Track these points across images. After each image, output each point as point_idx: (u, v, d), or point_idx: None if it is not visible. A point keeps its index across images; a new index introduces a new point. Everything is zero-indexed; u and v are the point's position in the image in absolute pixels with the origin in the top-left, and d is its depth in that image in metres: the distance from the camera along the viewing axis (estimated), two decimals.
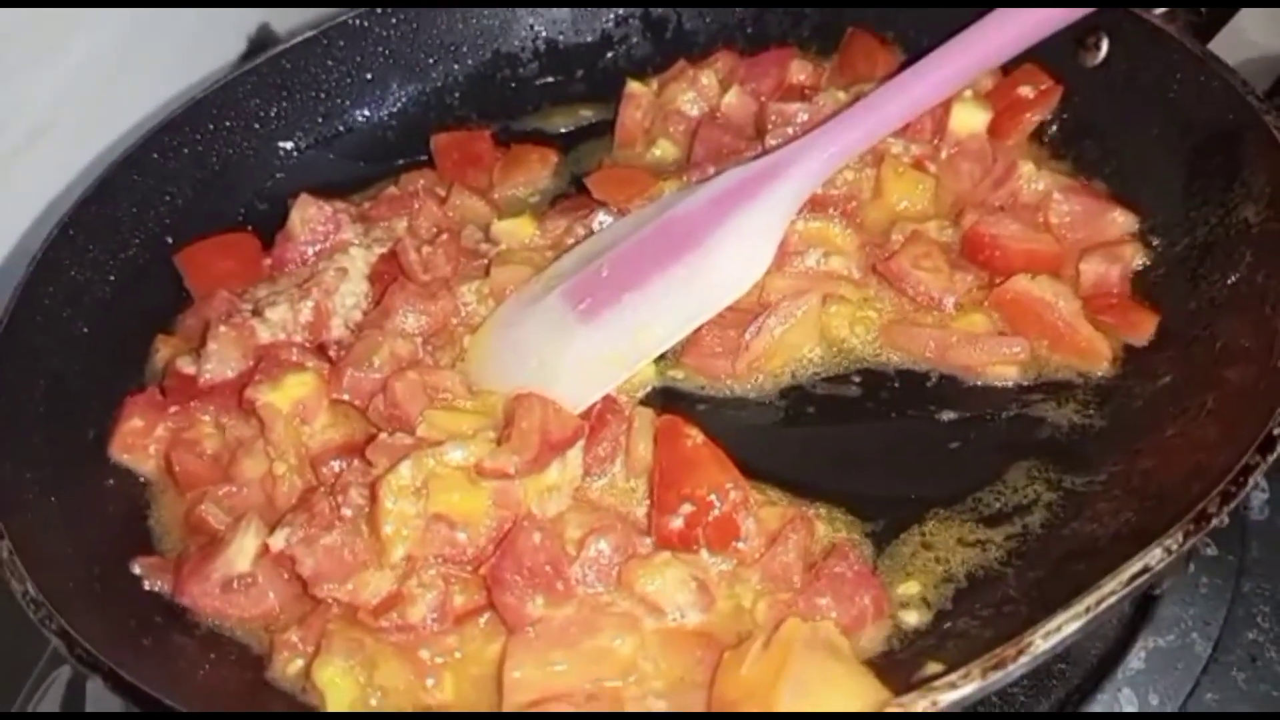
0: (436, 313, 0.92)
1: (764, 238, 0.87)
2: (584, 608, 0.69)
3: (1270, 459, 0.58)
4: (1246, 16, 1.38)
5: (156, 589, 0.76)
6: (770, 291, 0.89)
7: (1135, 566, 0.53)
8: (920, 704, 0.49)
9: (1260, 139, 0.79)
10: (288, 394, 0.84)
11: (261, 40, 1.38)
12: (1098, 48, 0.96)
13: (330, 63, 1.17)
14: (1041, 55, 0.97)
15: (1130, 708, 0.76)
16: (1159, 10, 0.95)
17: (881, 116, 0.90)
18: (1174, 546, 0.53)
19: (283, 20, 1.32)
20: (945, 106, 0.97)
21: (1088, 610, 0.51)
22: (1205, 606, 0.81)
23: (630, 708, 0.64)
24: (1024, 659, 0.50)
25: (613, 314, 0.85)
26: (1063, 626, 0.51)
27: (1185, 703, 0.76)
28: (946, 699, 0.49)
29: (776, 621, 0.66)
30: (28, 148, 1.09)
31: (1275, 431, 0.59)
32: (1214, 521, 0.55)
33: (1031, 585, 0.65)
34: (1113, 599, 0.52)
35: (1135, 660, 0.78)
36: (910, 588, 0.70)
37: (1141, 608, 0.81)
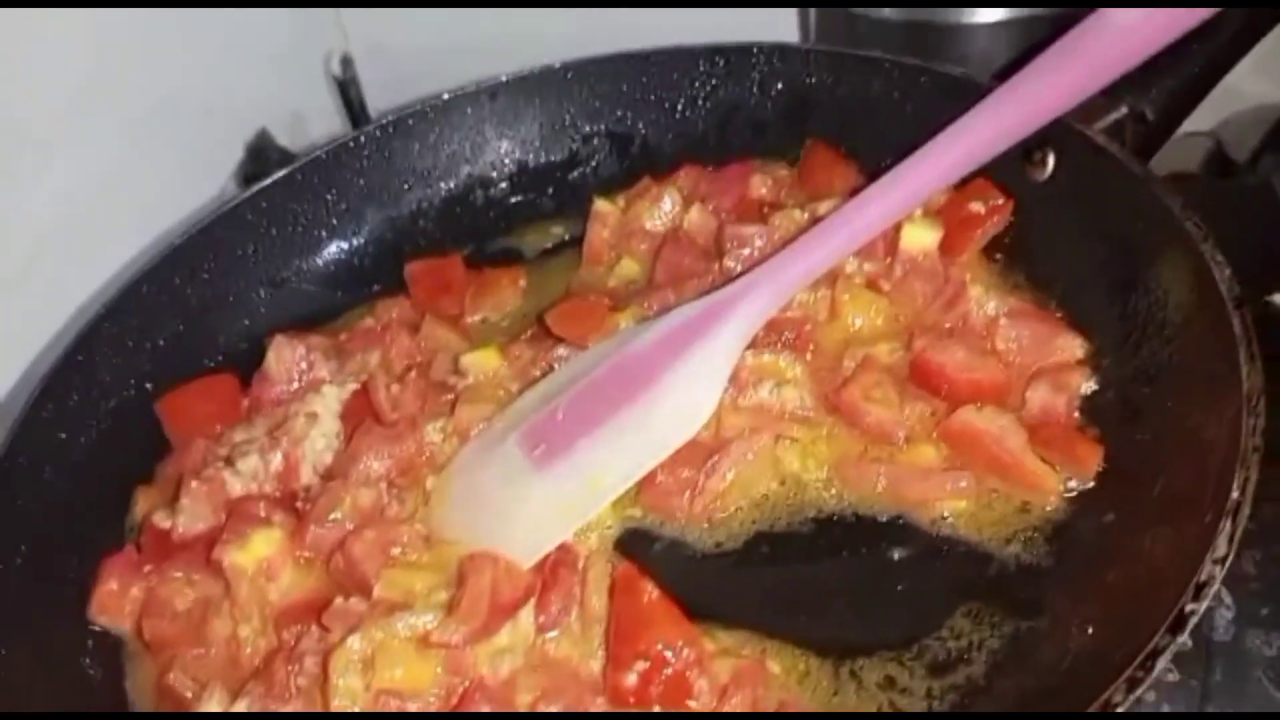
0: (401, 454, 0.95)
1: (711, 378, 0.88)
2: None
3: (1180, 638, 0.58)
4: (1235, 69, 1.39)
5: None
6: (725, 428, 0.91)
7: None
8: None
9: (1188, 262, 0.79)
10: (253, 553, 0.87)
11: (259, 146, 1.43)
12: (1044, 163, 0.96)
13: (307, 196, 1.20)
14: (991, 169, 0.98)
15: None
16: (1106, 122, 0.96)
17: (826, 249, 0.91)
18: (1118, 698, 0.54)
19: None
20: (896, 226, 0.98)
21: None
22: None
23: None
24: None
25: (567, 461, 0.87)
26: None
27: None
28: None
29: None
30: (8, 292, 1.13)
31: (1186, 609, 0.59)
32: (1120, 709, 0.55)
33: None
34: None
35: None
36: None
37: None
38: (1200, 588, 0.60)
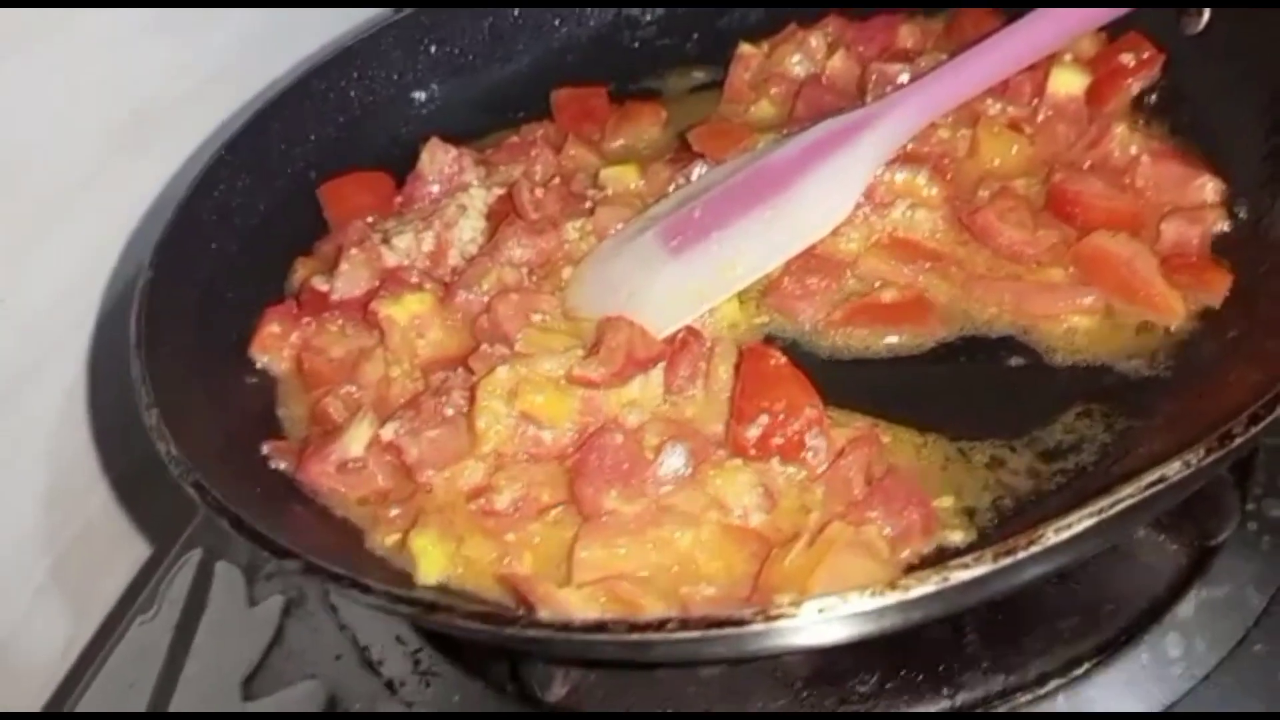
0: (542, 246, 1.00)
1: (848, 184, 0.92)
2: (653, 504, 0.76)
3: None
4: None
5: (281, 468, 0.86)
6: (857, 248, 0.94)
7: (1152, 476, 0.56)
8: (932, 579, 0.54)
9: None
10: (406, 309, 0.93)
11: None
12: (1199, 15, 0.97)
13: (464, 22, 1.26)
14: (1143, 22, 0.98)
15: (1175, 652, 0.78)
16: None
17: (971, 75, 0.93)
18: (1193, 461, 0.56)
19: None
20: (1045, 70, 1.00)
21: (1100, 511, 0.55)
22: (1264, 564, 0.81)
23: (683, 592, 0.70)
24: (1034, 548, 0.54)
25: (700, 250, 0.91)
26: (1074, 524, 0.54)
27: (1232, 651, 0.78)
28: (957, 577, 0.54)
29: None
30: (199, 93, 1.21)
31: None
32: (1237, 440, 0.57)
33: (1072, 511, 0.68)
34: (1127, 503, 0.55)
35: (1185, 607, 0.80)
36: (959, 505, 0.75)
37: (1198, 559, 0.82)
38: None
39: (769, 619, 0.54)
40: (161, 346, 0.88)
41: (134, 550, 1.20)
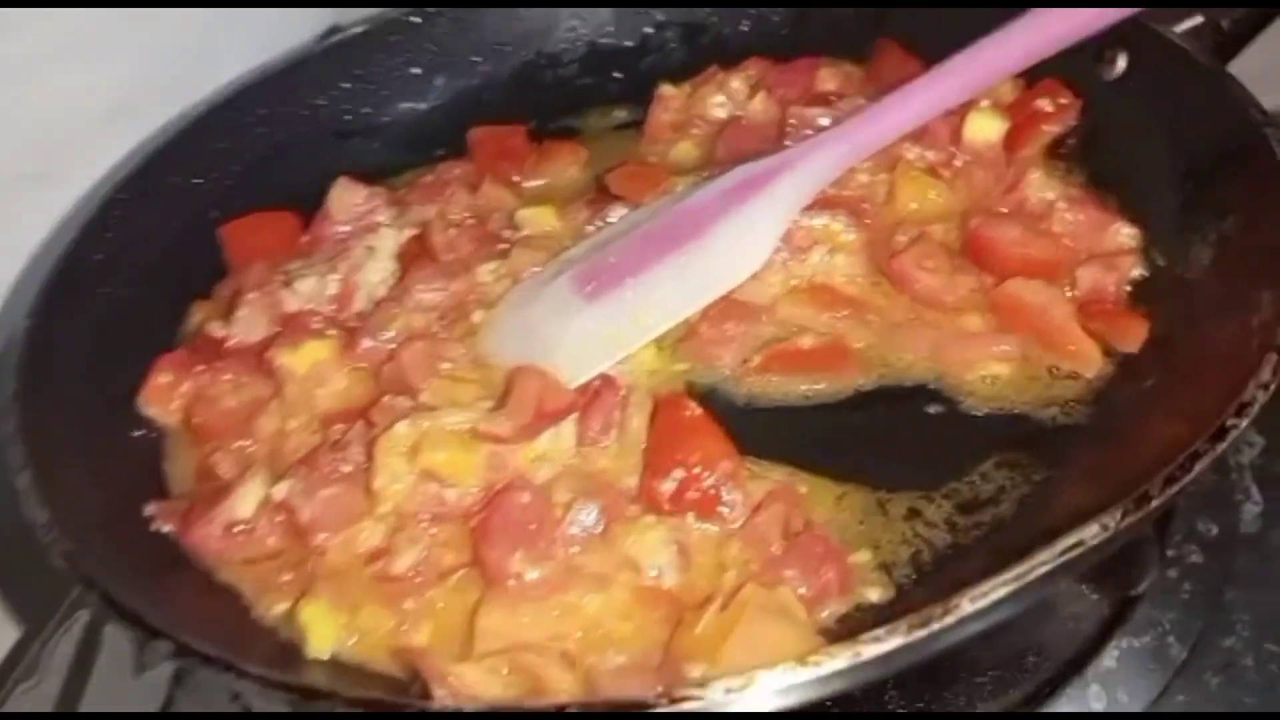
0: (454, 289, 0.96)
1: (765, 230, 0.90)
2: (560, 567, 0.72)
3: (1219, 448, 0.59)
4: None
5: (164, 531, 0.80)
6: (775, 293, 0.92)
7: (1069, 540, 0.54)
8: (843, 655, 0.51)
9: (1259, 157, 0.79)
10: (306, 356, 0.89)
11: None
12: (1114, 62, 0.97)
13: (380, 56, 1.23)
14: (1061, 68, 0.98)
15: (1098, 705, 0.76)
16: (1182, 27, 0.96)
17: (890, 120, 0.92)
18: (1110, 524, 0.55)
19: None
20: (962, 115, 0.99)
21: (1017, 578, 0.52)
22: (1185, 612, 0.81)
23: (589, 662, 0.67)
24: (949, 619, 0.52)
25: (615, 297, 0.89)
26: (990, 592, 0.52)
27: (1155, 702, 0.76)
28: (870, 651, 0.51)
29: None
30: (102, 129, 1.16)
31: (1228, 423, 0.60)
32: (1154, 503, 0.56)
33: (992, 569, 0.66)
34: (1043, 569, 0.53)
35: (1108, 659, 0.78)
36: (876, 560, 0.72)
37: (1119, 609, 0.81)
38: (1243, 406, 0.60)
39: (674, 701, 0.50)
40: (40, 400, 0.82)
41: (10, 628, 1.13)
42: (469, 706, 0.51)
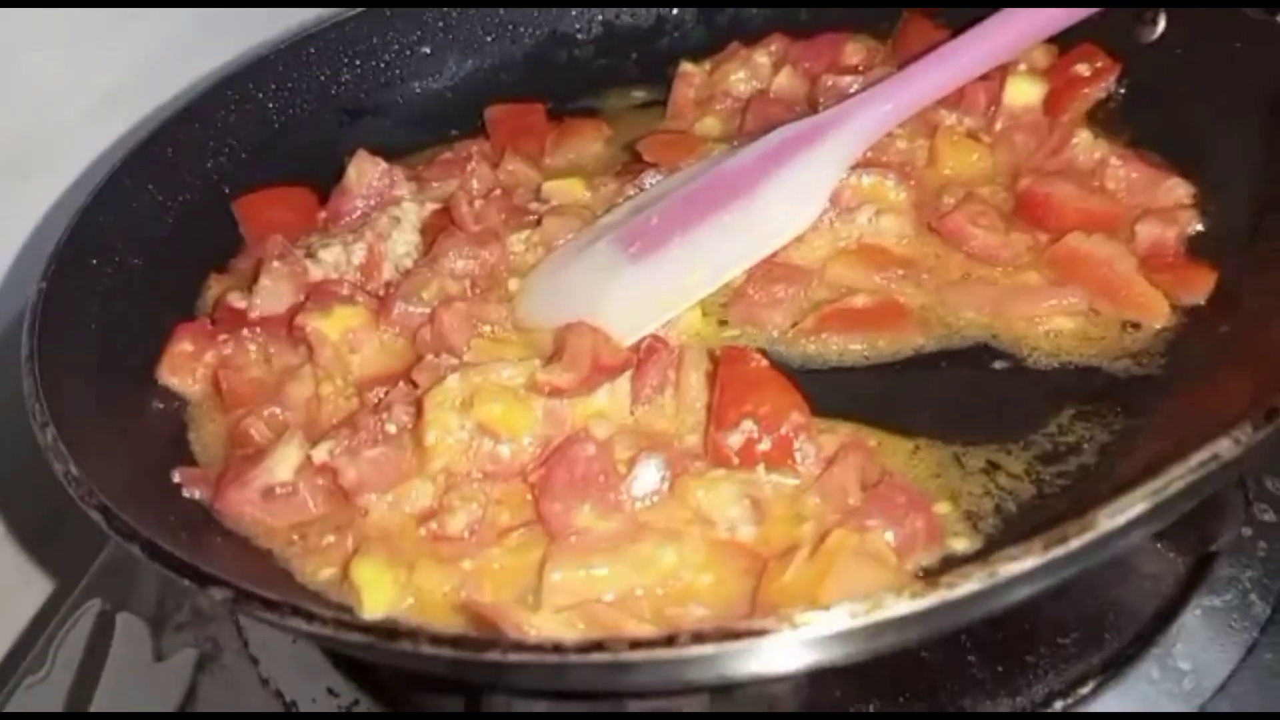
0: (485, 258, 0.93)
1: (814, 189, 0.87)
2: (628, 521, 0.68)
3: None
4: None
5: (195, 498, 0.75)
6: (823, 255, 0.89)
7: (1204, 454, 0.51)
8: (977, 575, 0.47)
9: None
10: (338, 322, 0.85)
11: None
12: (1155, 22, 0.96)
13: (391, 34, 1.20)
14: (1099, 31, 0.97)
15: (1185, 665, 0.73)
16: None
17: (936, 77, 0.90)
18: (1243, 438, 0.52)
19: None
20: (1000, 80, 0.98)
21: (1154, 493, 0.49)
22: (1264, 569, 0.78)
23: (670, 614, 0.63)
24: (1088, 535, 0.48)
25: (660, 256, 0.85)
26: (1129, 506, 0.49)
27: (1244, 659, 0.73)
28: (1006, 570, 0.48)
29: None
30: (106, 105, 1.11)
31: None
32: (1223, 461, 0.53)
33: (1085, 511, 0.63)
34: (1180, 483, 0.50)
35: (1190, 617, 0.75)
36: (959, 511, 0.69)
37: (1196, 568, 0.78)
38: None
39: (795, 626, 0.46)
40: (57, 363, 0.77)
41: (26, 605, 1.06)
42: (568, 640, 0.47)
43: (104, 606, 0.91)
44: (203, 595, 0.56)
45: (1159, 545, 0.79)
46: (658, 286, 0.84)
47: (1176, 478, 0.50)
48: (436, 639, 0.49)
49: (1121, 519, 0.48)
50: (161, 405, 0.86)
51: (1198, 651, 0.74)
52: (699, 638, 0.47)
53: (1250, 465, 0.83)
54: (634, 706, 0.63)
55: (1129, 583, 0.78)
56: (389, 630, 0.50)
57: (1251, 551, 0.79)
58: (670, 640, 0.47)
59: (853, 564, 0.60)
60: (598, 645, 0.47)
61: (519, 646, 0.48)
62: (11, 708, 0.86)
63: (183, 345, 0.87)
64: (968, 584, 0.47)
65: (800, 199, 0.87)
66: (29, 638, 0.98)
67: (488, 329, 0.84)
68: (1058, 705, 0.72)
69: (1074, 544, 0.48)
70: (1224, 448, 0.51)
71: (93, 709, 0.83)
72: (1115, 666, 0.73)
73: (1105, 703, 0.72)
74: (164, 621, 0.88)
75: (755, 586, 0.63)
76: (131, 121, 1.15)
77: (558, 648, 0.48)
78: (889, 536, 0.65)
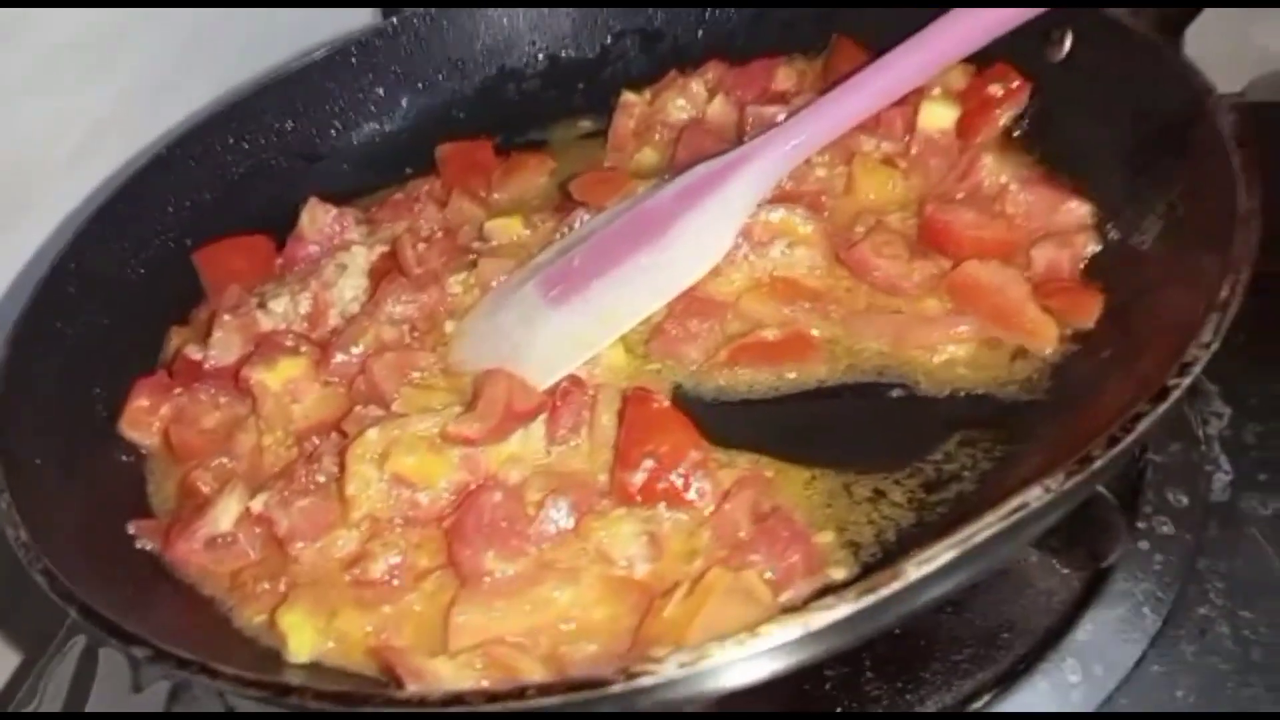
0: (424, 301, 0.98)
1: (722, 227, 0.91)
2: (533, 563, 0.73)
3: (1161, 408, 0.60)
4: (1263, 26, 1.40)
5: (147, 548, 0.82)
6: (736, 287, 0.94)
7: (1013, 503, 0.55)
8: (794, 625, 0.52)
9: (1203, 124, 0.81)
10: (280, 374, 0.91)
11: None
12: (1061, 42, 0.99)
13: (345, 78, 1.25)
14: (1011, 51, 1.00)
15: (1074, 677, 0.77)
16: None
17: (842, 111, 0.94)
18: (1053, 486, 0.56)
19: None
20: (914, 105, 1.01)
21: (962, 542, 0.54)
22: (1158, 582, 0.82)
23: (561, 652, 0.68)
24: (896, 585, 0.53)
25: (579, 299, 0.90)
26: (936, 557, 0.53)
27: (1131, 673, 0.77)
28: (820, 620, 0.52)
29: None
30: (79, 157, 1.17)
31: (1169, 383, 0.61)
32: (1097, 463, 0.57)
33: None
34: (987, 533, 0.54)
35: (1082, 632, 0.79)
36: (841, 540, 0.74)
37: (1092, 582, 0.82)
38: (1184, 367, 0.62)
39: (630, 677, 0.51)
40: (18, 427, 0.84)
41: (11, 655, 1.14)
42: (434, 693, 0.52)
43: (88, 643, 0.98)
44: (126, 651, 0.61)
45: (1053, 562, 0.83)
46: (577, 328, 0.89)
47: (985, 526, 0.54)
48: (320, 695, 0.55)
49: (929, 568, 0.53)
50: (125, 458, 0.93)
51: (1088, 664, 0.78)
52: (543, 690, 0.52)
53: (1149, 479, 0.88)
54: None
55: (1025, 599, 0.83)
56: (281, 687, 0.56)
57: (1147, 565, 0.83)
58: (520, 692, 0.52)
59: (723, 602, 0.65)
60: (457, 698, 0.53)
61: (390, 700, 0.54)
62: None
63: (140, 400, 0.93)
64: (783, 632, 0.52)
65: (708, 238, 0.91)
66: (20, 674, 1.06)
67: (417, 375, 0.90)
68: None
69: (884, 592, 0.52)
70: (1034, 496, 0.55)
71: None
72: (1007, 680, 0.78)
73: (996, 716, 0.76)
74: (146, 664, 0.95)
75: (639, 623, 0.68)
76: (111, 164, 1.21)
77: (422, 700, 0.53)
78: (769, 573, 0.70)
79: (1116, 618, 0.80)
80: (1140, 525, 0.85)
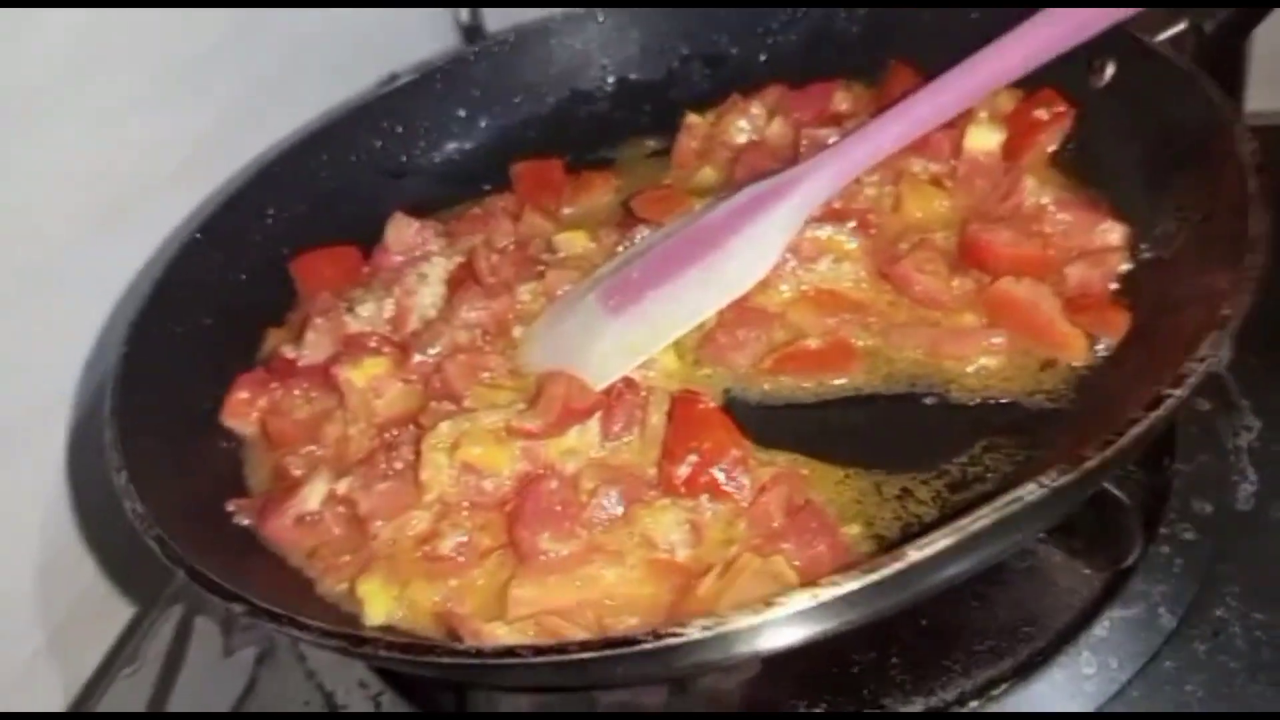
0: (495, 309, 1.07)
1: (770, 244, 0.98)
2: (583, 544, 0.81)
3: (1154, 415, 0.65)
4: None
5: (243, 524, 0.91)
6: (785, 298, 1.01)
7: (1008, 497, 0.61)
8: (803, 597, 0.59)
9: (1226, 149, 0.85)
10: (364, 372, 1.00)
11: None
12: (1103, 70, 1.03)
13: (429, 101, 1.35)
14: (1057, 78, 1.05)
15: (1089, 670, 0.82)
16: (1165, 35, 1.02)
17: (888, 135, 1.00)
18: (1046, 482, 0.61)
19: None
20: (962, 128, 1.07)
21: (958, 530, 0.59)
22: (1176, 585, 0.86)
23: (606, 623, 0.75)
24: (898, 565, 0.59)
25: (636, 309, 0.98)
26: (935, 542, 0.59)
27: (1144, 667, 0.82)
28: (828, 593, 0.59)
29: None
30: (183, 172, 1.29)
31: (1164, 392, 0.66)
32: (1090, 463, 0.62)
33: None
34: (982, 522, 0.60)
35: (1099, 628, 0.84)
36: (868, 533, 0.80)
37: (1113, 582, 0.87)
38: (1180, 378, 0.66)
39: (659, 638, 0.59)
40: (134, 414, 0.94)
41: (123, 616, 1.25)
42: (487, 646, 0.60)
43: (184, 612, 1.09)
44: (228, 608, 0.70)
45: (1076, 562, 0.88)
46: (633, 336, 0.97)
47: (981, 516, 0.60)
48: (389, 645, 0.63)
49: (928, 551, 0.59)
50: (226, 444, 1.03)
51: (1104, 658, 0.83)
52: (585, 646, 0.59)
53: (1175, 487, 0.92)
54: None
55: (1048, 596, 0.87)
56: (355, 638, 0.65)
57: (1168, 568, 0.87)
58: (563, 648, 0.60)
59: (751, 583, 0.72)
60: (509, 651, 0.61)
61: (448, 651, 0.62)
62: (110, 695, 1.04)
63: (240, 393, 1.03)
64: (794, 603, 0.58)
65: (758, 254, 0.98)
66: (125, 639, 1.17)
67: (487, 375, 0.98)
68: (970, 705, 0.82)
69: (886, 571, 0.59)
70: (1028, 491, 0.61)
71: (173, 696, 1.00)
72: (1025, 670, 0.83)
73: (1012, 704, 0.81)
74: (232, 624, 1.05)
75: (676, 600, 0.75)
76: (209, 182, 1.32)
77: (478, 653, 0.61)
78: (796, 560, 0.76)
79: (1134, 616, 0.84)
80: (1164, 530, 0.89)
